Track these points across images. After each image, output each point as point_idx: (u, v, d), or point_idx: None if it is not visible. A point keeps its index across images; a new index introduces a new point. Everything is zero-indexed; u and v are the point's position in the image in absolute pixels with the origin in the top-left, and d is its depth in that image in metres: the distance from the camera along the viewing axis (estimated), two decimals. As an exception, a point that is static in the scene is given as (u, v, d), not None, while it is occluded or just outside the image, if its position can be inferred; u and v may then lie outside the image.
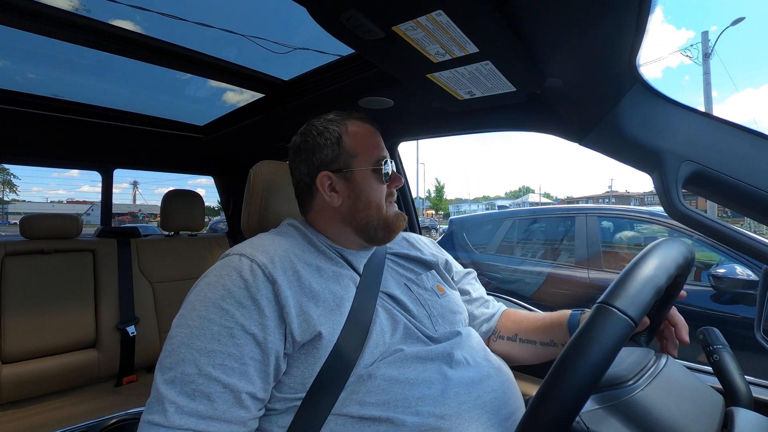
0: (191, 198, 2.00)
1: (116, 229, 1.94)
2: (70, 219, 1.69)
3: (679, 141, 0.69)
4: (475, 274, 0.97)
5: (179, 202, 1.96)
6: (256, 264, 0.61)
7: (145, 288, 1.77)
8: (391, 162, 0.76)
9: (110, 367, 1.63)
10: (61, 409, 1.42)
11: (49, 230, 1.62)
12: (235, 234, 2.26)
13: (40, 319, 1.51)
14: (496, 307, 0.93)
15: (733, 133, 0.66)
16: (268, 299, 0.58)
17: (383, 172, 0.74)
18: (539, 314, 0.87)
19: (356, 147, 0.74)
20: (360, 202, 0.73)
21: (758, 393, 0.76)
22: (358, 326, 0.63)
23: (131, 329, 1.66)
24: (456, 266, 0.93)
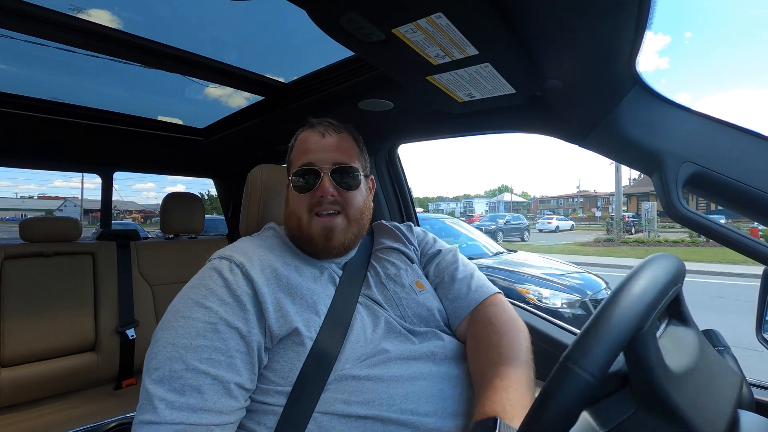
0: (191, 200, 2.00)
1: (116, 231, 1.94)
2: (70, 222, 1.69)
3: (679, 142, 0.69)
4: (454, 250, 0.86)
5: (179, 204, 1.96)
6: (234, 264, 0.63)
7: (144, 291, 1.76)
8: (328, 172, 0.71)
9: (110, 371, 1.62)
10: (61, 413, 1.41)
11: (48, 233, 1.62)
12: (235, 236, 2.26)
13: (39, 322, 1.50)
14: (476, 285, 0.79)
15: (733, 135, 0.66)
16: (248, 295, 0.60)
17: (296, 180, 0.73)
18: (486, 375, 0.61)
19: (293, 155, 0.77)
20: (286, 210, 0.76)
21: (759, 394, 0.76)
22: (338, 324, 0.64)
23: (131, 332, 1.65)
24: (428, 246, 0.88)
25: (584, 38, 0.58)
